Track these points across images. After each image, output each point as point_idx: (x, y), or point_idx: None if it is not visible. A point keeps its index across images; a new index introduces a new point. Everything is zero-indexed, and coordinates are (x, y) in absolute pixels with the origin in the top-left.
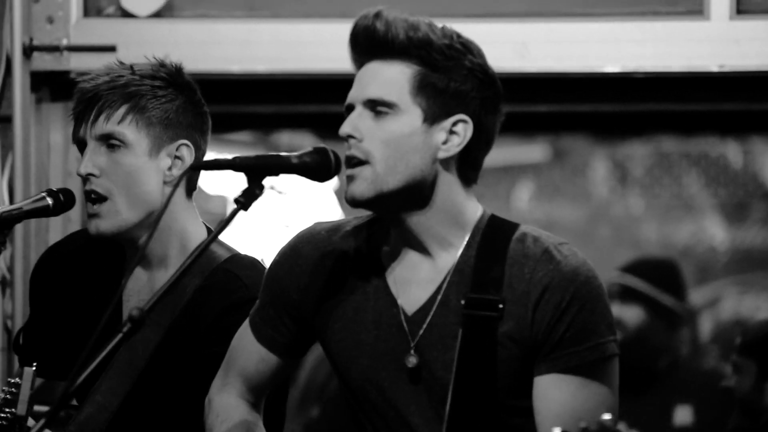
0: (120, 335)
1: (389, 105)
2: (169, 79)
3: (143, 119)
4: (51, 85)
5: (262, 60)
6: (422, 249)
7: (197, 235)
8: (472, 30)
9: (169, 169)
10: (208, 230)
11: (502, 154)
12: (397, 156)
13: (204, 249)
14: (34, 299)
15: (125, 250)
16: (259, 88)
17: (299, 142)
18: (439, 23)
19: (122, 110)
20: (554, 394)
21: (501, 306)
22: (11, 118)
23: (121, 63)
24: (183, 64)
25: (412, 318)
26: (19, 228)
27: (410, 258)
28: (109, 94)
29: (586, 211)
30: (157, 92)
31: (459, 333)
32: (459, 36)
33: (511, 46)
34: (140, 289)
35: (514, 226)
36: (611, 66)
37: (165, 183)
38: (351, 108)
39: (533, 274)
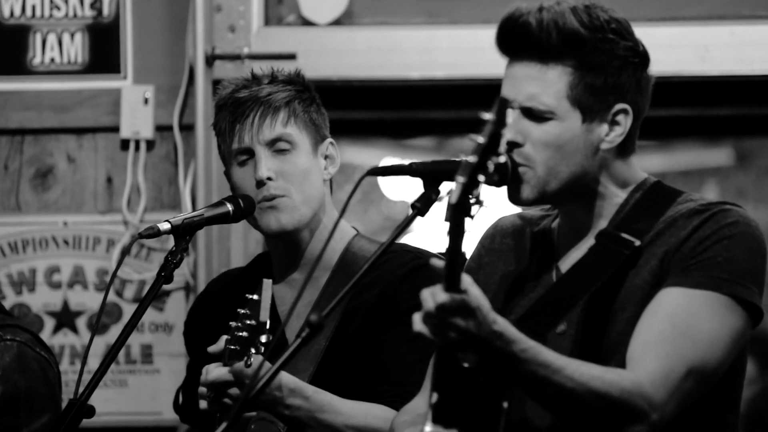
0: (299, 340)
1: (548, 113)
2: (303, 84)
3: (300, 122)
4: None
5: (441, 66)
6: (586, 223)
7: (343, 230)
8: (653, 34)
9: (325, 168)
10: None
11: (685, 158)
12: (558, 158)
13: (383, 253)
14: (190, 350)
15: (272, 257)
16: (439, 94)
17: None
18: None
19: (283, 114)
20: (669, 302)
21: (637, 246)
22: (194, 126)
23: (253, 73)
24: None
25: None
26: (201, 234)
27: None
28: (268, 101)
29: None
30: (302, 96)
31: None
32: (608, 20)
33: (692, 50)
34: (294, 294)
35: (680, 192)
36: None
37: (324, 181)
38: None
39: (686, 224)
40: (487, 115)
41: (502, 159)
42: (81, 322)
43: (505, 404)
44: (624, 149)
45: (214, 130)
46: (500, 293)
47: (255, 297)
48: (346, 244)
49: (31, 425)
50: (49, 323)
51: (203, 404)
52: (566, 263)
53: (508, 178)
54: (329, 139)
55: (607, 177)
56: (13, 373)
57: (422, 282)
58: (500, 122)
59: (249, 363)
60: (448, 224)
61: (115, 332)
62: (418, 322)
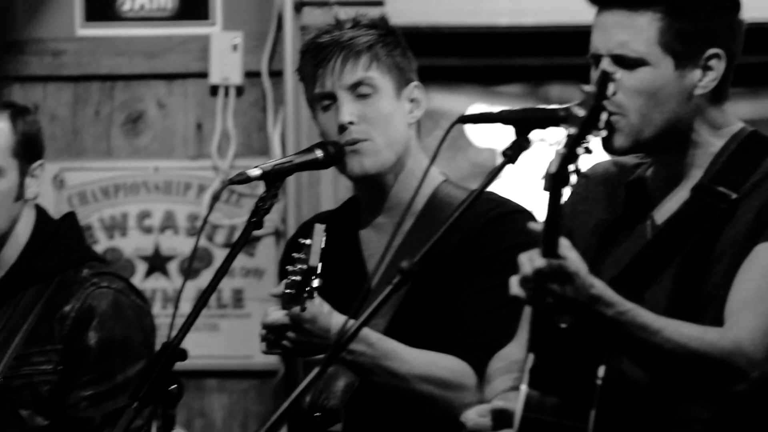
0: (390, 287)
1: (640, 60)
2: (386, 27)
3: (383, 65)
4: None
5: (530, 12)
6: (680, 172)
7: (430, 175)
8: None
9: (410, 111)
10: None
11: None
12: (652, 106)
13: (472, 201)
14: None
15: (360, 201)
16: (528, 41)
17: (570, 95)
18: None
19: (365, 59)
20: (765, 258)
21: (733, 199)
22: (282, 72)
23: (337, 18)
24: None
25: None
26: (291, 180)
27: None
28: (350, 45)
29: None
30: (385, 40)
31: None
32: None
33: None
34: (380, 238)
35: None
36: None
37: (409, 125)
38: (597, 57)
39: None
40: (588, 88)
41: (603, 133)
42: (172, 267)
43: (602, 368)
44: (718, 95)
45: (299, 76)
46: (593, 242)
47: (308, 241)
48: (433, 190)
49: (126, 372)
50: (141, 267)
51: (262, 346)
52: (660, 214)
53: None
54: (414, 83)
55: (701, 124)
56: (108, 321)
57: (503, 231)
58: (601, 95)
59: (304, 307)
60: (546, 192)
61: (206, 277)
62: (515, 286)
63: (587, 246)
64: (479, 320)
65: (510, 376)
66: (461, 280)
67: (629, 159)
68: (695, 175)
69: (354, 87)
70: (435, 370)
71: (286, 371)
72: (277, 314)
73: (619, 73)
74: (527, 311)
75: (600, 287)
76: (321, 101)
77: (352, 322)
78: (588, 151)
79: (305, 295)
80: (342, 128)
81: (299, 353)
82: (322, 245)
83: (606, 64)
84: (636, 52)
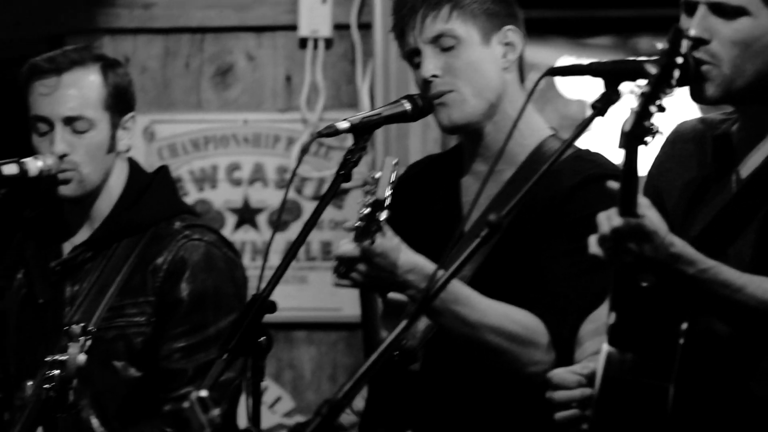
0: (478, 240)
1: (740, 9)
2: None
3: (467, 13)
4: None
5: None
6: (766, 127)
7: (537, 128)
8: None
9: (504, 56)
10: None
11: None
12: (746, 56)
13: (561, 153)
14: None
15: (463, 148)
16: None
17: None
18: None
19: (446, 9)
20: None
21: None
22: (371, 24)
23: None
24: None
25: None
26: (379, 133)
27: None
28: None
29: None
30: None
31: None
32: None
33: None
34: (476, 182)
35: None
36: None
37: (503, 70)
38: (690, 5)
39: None
40: (661, 45)
41: (676, 89)
42: (262, 219)
43: (684, 325)
44: None
45: (393, 35)
46: (682, 201)
47: (377, 174)
48: (538, 143)
49: (219, 323)
50: (231, 219)
51: (334, 278)
52: (746, 168)
53: (691, 76)
54: (508, 27)
55: None
56: (200, 273)
57: (594, 194)
58: (674, 52)
59: (374, 240)
60: (622, 151)
61: (295, 229)
62: (593, 245)
63: (676, 204)
64: (560, 282)
65: (601, 338)
66: (548, 239)
67: (715, 115)
68: None
69: (435, 40)
70: (506, 323)
71: (363, 311)
72: (348, 246)
73: (717, 22)
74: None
75: (680, 245)
76: (411, 58)
77: (441, 272)
78: (661, 108)
79: (374, 228)
80: (426, 83)
81: (367, 286)
82: (392, 179)
83: (702, 13)
84: (735, 3)
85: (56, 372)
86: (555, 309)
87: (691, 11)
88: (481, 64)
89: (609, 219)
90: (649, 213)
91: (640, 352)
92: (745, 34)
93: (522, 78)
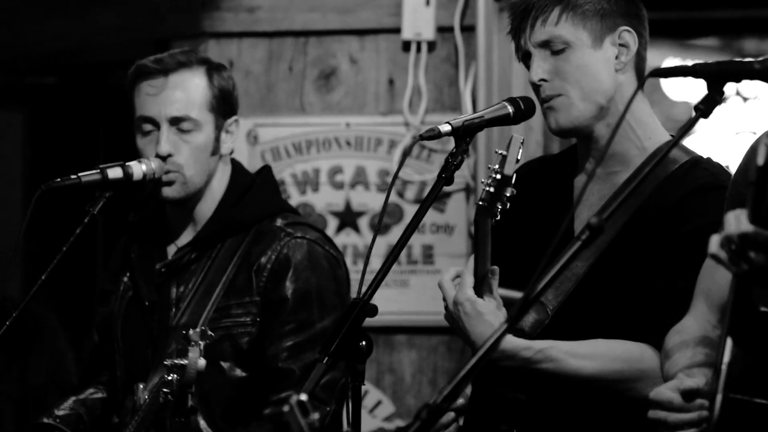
0: (579, 243)
1: None
2: None
3: (577, 15)
4: None
5: None
6: None
7: (655, 132)
8: None
9: (617, 57)
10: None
11: None
12: None
13: (666, 154)
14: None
15: (578, 149)
16: None
17: (766, 48)
18: None
19: (556, 12)
20: None
21: None
22: (474, 27)
23: None
24: None
25: None
26: (481, 136)
27: None
28: (539, 1)
29: None
30: None
31: None
32: None
33: None
34: (592, 187)
35: None
36: None
37: (616, 71)
38: None
39: None
40: None
41: None
42: (363, 222)
43: None
44: None
45: (510, 36)
46: None
47: (503, 152)
48: (656, 147)
49: (324, 321)
50: (332, 223)
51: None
52: None
53: None
54: (623, 27)
55: None
56: (304, 271)
57: (710, 204)
58: None
59: (497, 217)
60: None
61: (396, 232)
62: (715, 245)
63: None
64: (667, 300)
65: (690, 350)
66: (661, 248)
67: None
68: None
69: (545, 44)
70: (607, 366)
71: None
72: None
73: None
74: (703, 281)
75: None
76: (523, 60)
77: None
78: None
79: (499, 205)
80: (536, 87)
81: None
82: (518, 156)
83: None
84: None
85: (175, 376)
86: (661, 328)
87: None
88: (591, 66)
89: (738, 221)
90: None
91: (758, 374)
92: None
93: (640, 78)
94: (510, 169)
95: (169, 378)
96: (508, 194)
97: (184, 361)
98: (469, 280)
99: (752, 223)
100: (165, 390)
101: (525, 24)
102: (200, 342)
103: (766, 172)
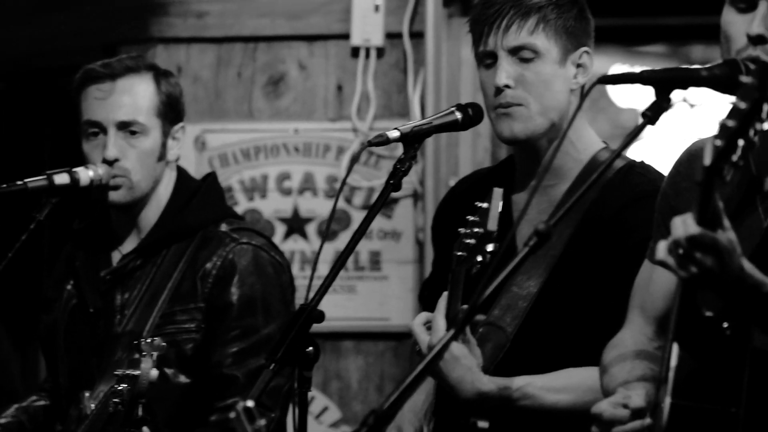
0: (526, 249)
1: None
2: None
3: (551, 29)
4: (462, 1)
5: None
6: None
7: (590, 142)
8: None
9: (575, 77)
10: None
11: None
12: None
13: (610, 163)
14: (435, 246)
15: (515, 163)
16: (673, 0)
17: (713, 55)
18: None
19: (532, 21)
20: None
21: None
22: (423, 33)
23: None
24: None
25: None
26: (429, 142)
27: None
28: (518, 6)
29: None
30: (560, 1)
31: None
32: None
33: None
34: (537, 203)
35: None
36: None
37: (571, 91)
38: (753, 5)
39: None
40: (746, 79)
41: (766, 125)
42: (311, 228)
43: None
44: None
45: (468, 28)
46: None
47: (484, 205)
48: (591, 156)
49: (269, 327)
50: (280, 229)
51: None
52: None
53: None
54: (585, 48)
55: None
56: (249, 276)
57: (651, 214)
58: (763, 87)
59: (475, 272)
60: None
61: (344, 239)
62: (662, 251)
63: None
64: (622, 317)
65: (629, 364)
66: (611, 256)
67: None
68: None
69: (516, 50)
70: (580, 398)
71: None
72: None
73: None
74: (638, 294)
75: (749, 268)
76: (483, 59)
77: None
78: (750, 144)
79: (479, 258)
80: (498, 90)
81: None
82: (500, 209)
83: (762, 11)
84: None
85: (126, 386)
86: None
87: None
88: (553, 83)
89: (685, 225)
90: (728, 232)
91: (705, 378)
92: None
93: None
94: (493, 224)
95: (119, 388)
96: (489, 249)
97: (137, 372)
98: (442, 323)
99: (699, 224)
100: (115, 400)
101: (499, 23)
102: (153, 353)
103: (713, 172)
